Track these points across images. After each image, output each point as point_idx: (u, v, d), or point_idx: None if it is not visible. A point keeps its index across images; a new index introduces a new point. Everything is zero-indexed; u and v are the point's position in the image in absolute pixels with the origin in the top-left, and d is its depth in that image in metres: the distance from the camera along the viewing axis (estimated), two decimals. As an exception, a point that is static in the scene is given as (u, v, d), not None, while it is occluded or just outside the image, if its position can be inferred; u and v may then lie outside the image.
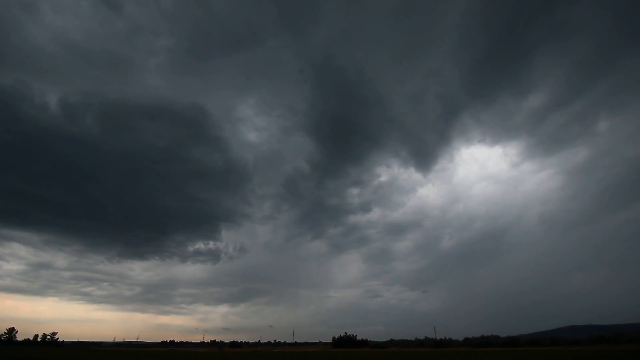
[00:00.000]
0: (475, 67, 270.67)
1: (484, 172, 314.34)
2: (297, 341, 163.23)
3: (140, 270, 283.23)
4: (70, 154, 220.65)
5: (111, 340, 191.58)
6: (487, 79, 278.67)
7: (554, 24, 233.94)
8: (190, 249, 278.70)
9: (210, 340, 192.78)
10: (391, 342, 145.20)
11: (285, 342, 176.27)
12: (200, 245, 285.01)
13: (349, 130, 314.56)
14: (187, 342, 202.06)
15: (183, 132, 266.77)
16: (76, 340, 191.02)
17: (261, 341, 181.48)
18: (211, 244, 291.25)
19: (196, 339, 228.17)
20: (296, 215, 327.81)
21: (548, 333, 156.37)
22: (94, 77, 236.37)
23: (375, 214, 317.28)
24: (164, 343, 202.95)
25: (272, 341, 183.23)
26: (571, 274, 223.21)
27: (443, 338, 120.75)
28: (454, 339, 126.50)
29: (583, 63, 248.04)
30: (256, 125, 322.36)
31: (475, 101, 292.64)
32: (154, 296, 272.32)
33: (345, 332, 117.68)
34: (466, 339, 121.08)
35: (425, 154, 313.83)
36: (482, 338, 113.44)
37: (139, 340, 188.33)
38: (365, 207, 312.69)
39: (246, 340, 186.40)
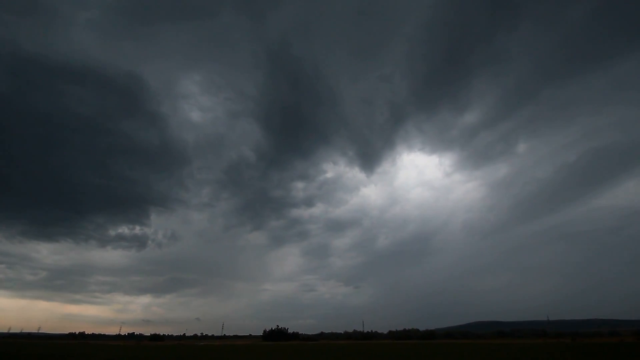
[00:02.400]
0: (423, 80, 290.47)
1: (421, 178, 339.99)
2: (227, 334, 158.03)
3: (48, 252, 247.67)
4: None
5: (5, 331, 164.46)
6: (431, 93, 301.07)
7: (492, 51, 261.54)
8: (112, 232, 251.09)
9: (128, 333, 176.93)
10: (321, 335, 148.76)
11: (213, 335, 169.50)
12: (124, 229, 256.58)
13: (299, 123, 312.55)
14: (100, 335, 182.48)
15: (113, 102, 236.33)
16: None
17: (187, 334, 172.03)
18: (137, 229, 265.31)
19: (111, 331, 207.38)
20: (236, 205, 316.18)
21: (460, 327, 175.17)
22: (6, 23, 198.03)
23: (318, 209, 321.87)
24: (72, 335, 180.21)
25: (199, 334, 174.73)
26: (482, 276, 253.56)
27: (370, 331, 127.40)
28: (379, 331, 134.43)
29: (511, 90, 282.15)
30: (200, 105, 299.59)
31: (419, 112, 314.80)
32: (62, 283, 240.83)
33: (277, 325, 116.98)
34: (390, 332, 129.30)
35: (370, 155, 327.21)
36: (404, 331, 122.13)
37: (40, 332, 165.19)
38: (308, 202, 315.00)
39: (170, 333, 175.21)
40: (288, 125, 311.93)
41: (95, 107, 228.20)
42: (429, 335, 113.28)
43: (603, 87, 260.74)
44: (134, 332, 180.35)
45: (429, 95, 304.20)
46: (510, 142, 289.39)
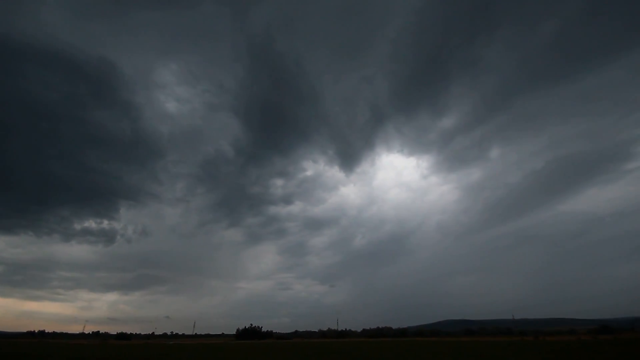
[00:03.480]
0: (403, 83, 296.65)
1: (399, 179, 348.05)
2: (198, 333, 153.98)
3: (5, 245, 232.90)
4: None
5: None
6: (411, 96, 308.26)
7: (470, 59, 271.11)
8: (78, 226, 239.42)
9: (92, 332, 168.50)
10: (296, 334, 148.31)
11: (184, 334, 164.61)
12: (91, 223, 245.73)
13: (279, 120, 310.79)
14: (61, 333, 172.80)
15: (83, 88, 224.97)
16: None
17: (156, 333, 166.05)
18: (105, 223, 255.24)
19: (74, 329, 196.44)
20: (212, 200, 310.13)
21: (430, 325, 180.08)
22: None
23: (297, 207, 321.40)
24: (30, 333, 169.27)
25: (169, 333, 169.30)
26: (453, 276, 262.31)
27: (344, 329, 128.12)
28: (353, 330, 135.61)
29: (487, 97, 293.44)
30: (177, 96, 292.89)
31: (399, 114, 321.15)
32: (21, 278, 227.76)
33: (251, 324, 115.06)
34: (364, 330, 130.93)
35: (350, 155, 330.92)
36: (377, 329, 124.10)
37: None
38: (287, 199, 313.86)
39: (137, 332, 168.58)
40: (268, 121, 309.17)
41: (63, 93, 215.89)
42: (401, 333, 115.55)
43: (571, 99, 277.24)
44: (98, 331, 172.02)
45: (409, 98, 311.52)
46: (484, 147, 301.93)
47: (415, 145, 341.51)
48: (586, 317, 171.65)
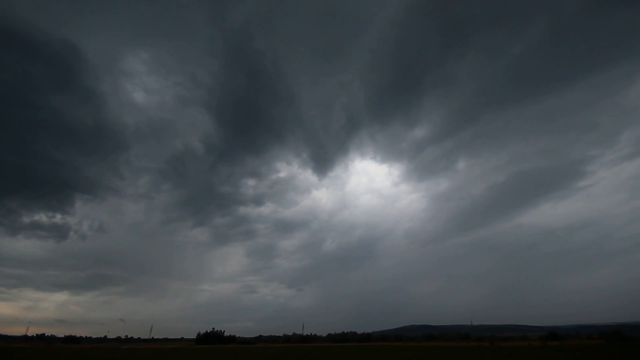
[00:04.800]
0: (379, 92, 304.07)
1: (371, 185, 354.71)
2: (155, 337, 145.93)
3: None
4: None
5: None
6: (386, 105, 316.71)
7: (443, 75, 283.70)
8: (26, 219, 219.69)
9: (37, 334, 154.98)
10: (259, 338, 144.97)
11: (139, 338, 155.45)
12: (41, 216, 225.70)
13: (254, 119, 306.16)
14: (1, 336, 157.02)
15: (41, 70, 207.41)
16: None
17: (108, 336, 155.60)
18: (58, 218, 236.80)
19: (16, 331, 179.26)
20: (178, 198, 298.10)
21: (394, 331, 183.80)
22: None
23: (268, 208, 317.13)
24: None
25: (123, 337, 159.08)
26: (418, 282, 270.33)
27: (309, 334, 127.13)
28: (318, 334, 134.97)
29: (456, 111, 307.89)
30: (146, 86, 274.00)
31: (373, 121, 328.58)
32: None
33: (213, 328, 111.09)
34: (329, 334, 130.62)
35: (324, 159, 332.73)
36: (342, 334, 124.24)
37: None
38: (258, 200, 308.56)
39: (88, 335, 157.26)
40: (242, 120, 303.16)
41: (18, 75, 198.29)
42: (366, 338, 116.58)
43: (532, 118, 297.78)
44: (44, 333, 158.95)
45: (384, 107, 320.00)
46: (452, 159, 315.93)
47: (388, 153, 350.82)
48: (537, 324, 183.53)
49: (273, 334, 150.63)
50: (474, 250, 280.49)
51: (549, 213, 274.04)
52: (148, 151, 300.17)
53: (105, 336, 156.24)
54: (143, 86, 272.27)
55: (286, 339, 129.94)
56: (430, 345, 70.80)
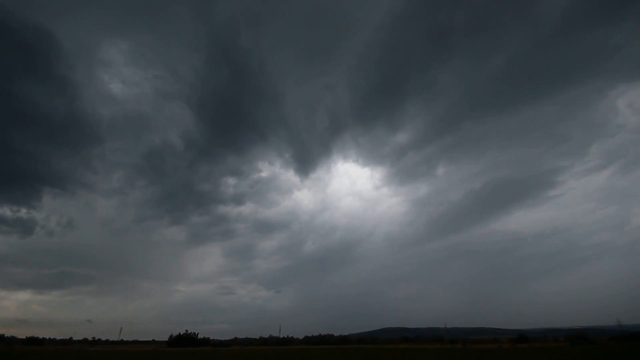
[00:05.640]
0: (363, 95, 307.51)
1: (353, 188, 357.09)
2: (125, 339, 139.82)
3: None
4: None
5: None
6: (370, 109, 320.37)
7: (426, 82, 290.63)
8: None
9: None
10: (235, 341, 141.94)
11: (107, 340, 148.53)
12: (5, 210, 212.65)
13: (236, 117, 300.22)
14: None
15: (12, 57, 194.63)
16: None
17: (74, 338, 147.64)
18: (23, 212, 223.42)
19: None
20: (154, 195, 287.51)
21: (371, 333, 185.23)
22: None
23: (248, 208, 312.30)
24: None
25: (90, 339, 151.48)
26: (396, 285, 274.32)
27: (286, 336, 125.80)
28: (295, 337, 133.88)
29: (437, 118, 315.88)
30: (124, 77, 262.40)
31: (357, 125, 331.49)
32: None
33: (186, 330, 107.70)
34: (306, 337, 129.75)
35: (307, 160, 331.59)
36: (320, 336, 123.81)
37: None
38: (238, 200, 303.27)
39: (52, 337, 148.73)
40: (224, 117, 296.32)
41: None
42: (343, 340, 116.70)
43: (509, 128, 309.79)
44: (3, 334, 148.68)
45: (368, 111, 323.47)
46: (432, 164, 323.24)
47: (371, 156, 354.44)
48: (508, 327, 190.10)
49: (249, 337, 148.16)
50: (451, 255, 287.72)
51: (522, 220, 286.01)
52: (123, 145, 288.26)
53: (71, 338, 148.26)
54: (121, 77, 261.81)
55: (262, 341, 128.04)
56: (405, 347, 71.78)
